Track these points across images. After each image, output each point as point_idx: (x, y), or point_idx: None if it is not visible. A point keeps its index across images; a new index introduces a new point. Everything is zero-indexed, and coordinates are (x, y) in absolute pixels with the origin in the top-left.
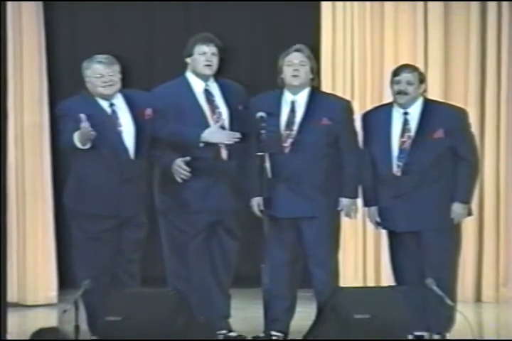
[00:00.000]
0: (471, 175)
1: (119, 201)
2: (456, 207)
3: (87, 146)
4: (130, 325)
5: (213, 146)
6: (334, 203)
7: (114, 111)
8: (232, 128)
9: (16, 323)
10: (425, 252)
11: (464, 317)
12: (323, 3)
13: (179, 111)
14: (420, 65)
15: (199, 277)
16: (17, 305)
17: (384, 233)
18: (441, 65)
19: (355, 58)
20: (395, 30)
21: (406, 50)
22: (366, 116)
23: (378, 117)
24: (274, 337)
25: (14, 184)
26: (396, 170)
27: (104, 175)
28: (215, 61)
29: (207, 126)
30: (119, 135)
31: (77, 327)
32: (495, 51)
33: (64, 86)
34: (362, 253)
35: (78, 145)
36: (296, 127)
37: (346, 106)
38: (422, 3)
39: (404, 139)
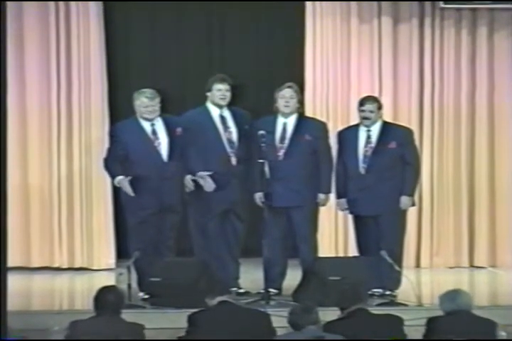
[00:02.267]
0: (415, 175)
1: (160, 194)
2: (404, 199)
3: (117, 185)
4: (167, 284)
5: (225, 156)
6: (314, 196)
7: (154, 129)
8: (239, 142)
9: (84, 282)
10: (381, 231)
11: (408, 278)
12: (306, 50)
13: (201, 130)
14: (376, 94)
15: (216, 249)
16: (86, 269)
17: (350, 217)
18: (391, 94)
19: (330, 91)
20: (359, 72)
21: (366, 84)
22: (341, 133)
23: (349, 133)
24: (271, 293)
25: (84, 183)
26: (361, 170)
27: (147, 175)
28: (228, 95)
29: (221, 140)
30: (156, 146)
31: (129, 286)
32: (430, 83)
33: (120, 109)
34: (334, 232)
35: (114, 182)
36: (287, 141)
37: (323, 127)
38: (377, 52)
39: (367, 148)
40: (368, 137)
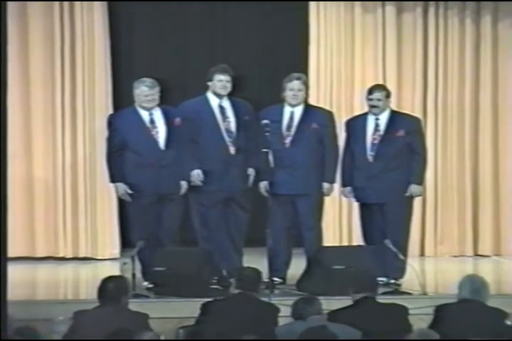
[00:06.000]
0: (423, 164)
1: (158, 182)
2: (413, 188)
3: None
4: (171, 274)
5: (223, 145)
6: (320, 185)
7: (152, 119)
8: (238, 132)
9: (89, 272)
10: (386, 220)
11: (412, 267)
12: (311, 40)
13: (200, 119)
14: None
15: (218, 239)
16: (91, 259)
17: (355, 206)
18: (395, 83)
19: (334, 81)
20: (363, 62)
21: (369, 73)
22: (349, 121)
23: (357, 122)
24: (275, 282)
25: (89, 174)
26: (369, 157)
27: (144, 163)
28: (228, 85)
29: (219, 130)
30: (153, 134)
31: (133, 275)
32: (433, 73)
33: (123, 100)
34: (338, 221)
35: (113, 180)
36: (293, 129)
37: (330, 116)
38: (381, 41)
39: (375, 136)
40: (377, 125)
